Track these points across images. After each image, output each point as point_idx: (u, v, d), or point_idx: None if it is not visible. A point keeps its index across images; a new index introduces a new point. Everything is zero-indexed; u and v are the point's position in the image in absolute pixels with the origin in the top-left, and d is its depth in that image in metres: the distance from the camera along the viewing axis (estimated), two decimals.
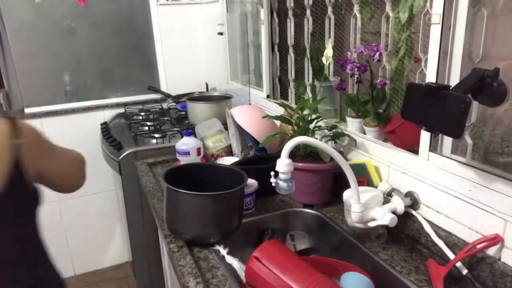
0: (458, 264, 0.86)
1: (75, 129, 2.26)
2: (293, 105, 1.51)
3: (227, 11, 2.21)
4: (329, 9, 1.38)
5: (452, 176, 0.91)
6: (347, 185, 0.95)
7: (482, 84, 0.76)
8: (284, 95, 1.80)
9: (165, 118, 2.12)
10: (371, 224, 0.97)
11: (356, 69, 1.21)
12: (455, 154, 0.94)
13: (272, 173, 0.91)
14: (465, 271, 0.85)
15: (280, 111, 1.51)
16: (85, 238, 2.44)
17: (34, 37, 2.12)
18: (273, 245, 0.90)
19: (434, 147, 0.97)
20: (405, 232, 1.04)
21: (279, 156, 0.88)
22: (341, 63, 1.25)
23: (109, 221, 2.48)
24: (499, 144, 0.92)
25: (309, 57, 1.53)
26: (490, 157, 0.92)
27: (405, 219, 1.03)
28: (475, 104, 0.88)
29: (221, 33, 2.24)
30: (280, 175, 0.89)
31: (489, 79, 0.75)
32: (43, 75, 2.19)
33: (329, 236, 1.15)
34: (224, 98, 1.97)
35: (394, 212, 0.96)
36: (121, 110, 2.33)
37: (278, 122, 1.49)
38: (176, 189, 0.94)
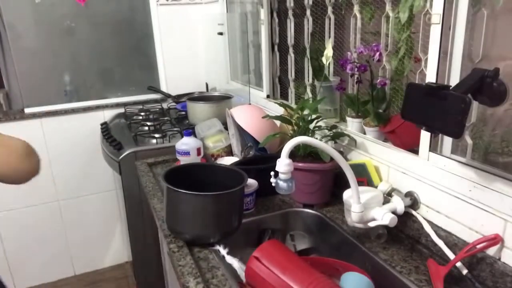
0: (458, 264, 0.86)
1: (75, 129, 2.26)
2: (293, 105, 1.51)
3: (227, 11, 2.21)
4: (329, 9, 1.38)
5: (452, 176, 0.91)
6: (347, 185, 0.95)
7: (482, 84, 0.76)
8: (284, 95, 1.80)
9: (165, 118, 2.12)
10: (371, 224, 0.97)
11: (356, 69, 1.21)
12: (455, 154, 0.94)
13: (272, 173, 0.91)
14: (465, 271, 0.85)
15: (280, 111, 1.51)
16: (85, 238, 2.45)
17: (34, 37, 2.12)
18: (273, 245, 0.90)
19: (434, 147, 0.97)
20: (405, 232, 1.04)
21: (279, 156, 0.88)
22: (341, 63, 1.25)
23: (109, 221, 2.48)
24: (499, 144, 0.92)
25: (309, 57, 1.53)
26: (490, 157, 0.92)
27: (405, 219, 1.03)
28: (475, 104, 0.88)
29: (221, 33, 2.24)
30: (280, 175, 0.89)
31: (489, 79, 0.75)
32: (43, 75, 2.19)
33: (329, 236, 1.15)
34: (224, 98, 1.97)
35: (394, 212, 0.96)
36: (121, 110, 2.33)
37: (278, 122, 1.49)
38: (176, 189, 0.94)
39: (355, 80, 1.27)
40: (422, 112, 0.84)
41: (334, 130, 1.28)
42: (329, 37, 1.41)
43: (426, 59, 0.96)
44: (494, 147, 0.93)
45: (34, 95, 2.18)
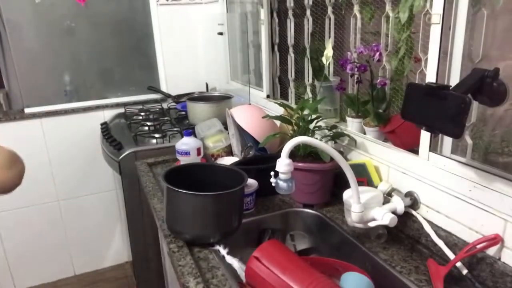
0: (458, 264, 0.86)
1: (75, 129, 2.26)
2: (293, 105, 1.51)
3: (227, 11, 2.21)
4: (329, 9, 1.38)
5: (452, 176, 0.91)
6: (347, 185, 0.95)
7: (482, 84, 0.76)
8: (284, 95, 1.80)
9: (165, 118, 2.12)
10: (371, 224, 0.97)
11: (356, 69, 1.21)
12: (455, 154, 0.94)
13: (272, 173, 0.91)
14: (465, 271, 0.85)
15: (280, 111, 1.51)
16: (85, 238, 2.45)
17: (34, 37, 2.12)
18: (273, 245, 0.90)
19: (434, 147, 0.97)
20: (405, 232, 1.04)
21: (279, 156, 0.88)
22: (341, 63, 1.25)
23: (109, 221, 2.48)
24: (499, 144, 0.92)
25: (309, 57, 1.53)
26: (490, 157, 0.92)
27: (405, 219, 1.03)
28: (475, 104, 0.88)
29: (221, 33, 2.24)
30: (280, 175, 0.89)
31: (489, 79, 0.75)
32: (43, 75, 2.19)
33: (329, 236, 1.15)
34: (224, 98, 1.97)
35: (394, 212, 0.96)
36: (121, 110, 2.33)
37: (278, 122, 1.49)
38: (176, 189, 0.94)
39: (355, 80, 1.27)
40: (422, 112, 0.84)
41: (334, 130, 1.28)
42: (329, 37, 1.41)
43: (426, 59, 0.96)
44: (494, 147, 0.93)
45: (34, 95, 2.18)
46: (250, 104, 1.91)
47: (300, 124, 1.25)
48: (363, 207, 0.94)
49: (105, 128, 2.05)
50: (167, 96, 2.41)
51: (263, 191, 1.21)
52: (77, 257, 2.47)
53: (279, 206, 1.23)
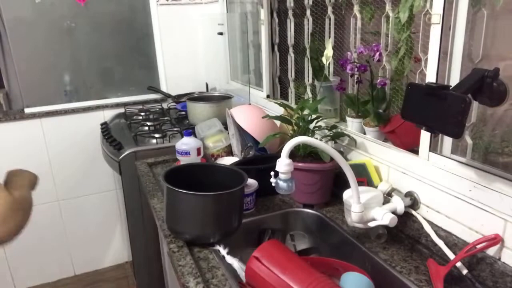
0: (458, 264, 0.86)
1: (75, 129, 2.26)
2: (293, 105, 1.51)
3: (227, 11, 2.21)
4: (329, 9, 1.38)
5: (452, 176, 0.91)
6: (347, 185, 0.95)
7: (482, 84, 0.76)
8: (284, 95, 1.80)
9: (165, 118, 2.12)
10: (371, 224, 0.97)
11: (356, 69, 1.21)
12: (455, 154, 0.94)
13: (272, 173, 0.92)
14: (465, 271, 0.85)
15: (280, 111, 1.51)
16: (85, 238, 2.45)
17: (34, 37, 2.12)
18: (273, 245, 0.90)
19: (434, 147, 0.97)
20: (405, 232, 1.04)
21: (279, 156, 0.88)
22: (341, 63, 1.25)
23: (109, 221, 2.48)
24: (499, 144, 0.92)
25: (309, 57, 1.53)
26: (490, 157, 0.92)
27: (405, 219, 1.03)
28: (475, 104, 0.88)
29: (221, 33, 2.24)
30: (280, 175, 0.89)
31: (489, 79, 0.75)
32: (43, 75, 2.19)
33: (329, 236, 1.15)
34: (224, 98, 1.97)
35: (394, 212, 0.96)
36: (121, 110, 2.33)
37: (278, 122, 1.49)
38: (176, 189, 0.94)
39: (355, 80, 1.27)
40: (422, 112, 0.84)
41: (334, 130, 1.28)
42: (329, 37, 1.41)
43: (426, 59, 0.96)
44: (494, 147, 0.93)
45: (34, 95, 2.18)
46: (250, 104, 1.91)
47: (300, 124, 1.25)
48: (363, 207, 0.94)
49: (105, 128, 2.05)
50: (167, 96, 2.41)
51: (263, 191, 1.21)
52: (77, 257, 2.47)
53: (279, 206, 1.23)
